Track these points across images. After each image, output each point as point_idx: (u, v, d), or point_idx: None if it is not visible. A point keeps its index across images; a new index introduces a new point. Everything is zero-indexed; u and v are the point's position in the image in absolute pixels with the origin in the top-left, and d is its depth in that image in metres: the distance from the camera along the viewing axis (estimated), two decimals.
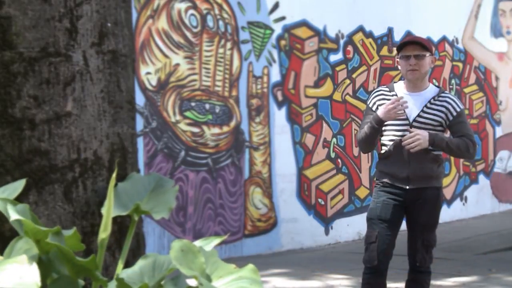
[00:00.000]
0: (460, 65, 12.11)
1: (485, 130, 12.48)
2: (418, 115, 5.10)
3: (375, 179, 5.33)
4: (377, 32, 10.74)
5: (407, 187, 5.10)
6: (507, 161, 12.83)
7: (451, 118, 5.10)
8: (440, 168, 5.19)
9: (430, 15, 11.41)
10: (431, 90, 5.18)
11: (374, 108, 5.17)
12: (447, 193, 11.72)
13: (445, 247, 9.15)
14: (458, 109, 5.12)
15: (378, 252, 5.06)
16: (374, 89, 5.55)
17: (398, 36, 10.73)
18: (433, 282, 7.01)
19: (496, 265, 8.13)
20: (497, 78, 12.72)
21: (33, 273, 2.39)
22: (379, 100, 5.17)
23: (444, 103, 5.11)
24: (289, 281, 7.47)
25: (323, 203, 9.98)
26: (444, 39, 11.84)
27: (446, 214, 11.49)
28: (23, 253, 2.57)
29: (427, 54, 5.09)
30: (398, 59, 5.16)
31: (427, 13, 11.38)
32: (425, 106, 5.11)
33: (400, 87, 5.20)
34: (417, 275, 5.20)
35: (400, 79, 5.75)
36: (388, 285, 5.24)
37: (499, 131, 12.74)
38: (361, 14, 10.52)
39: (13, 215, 2.62)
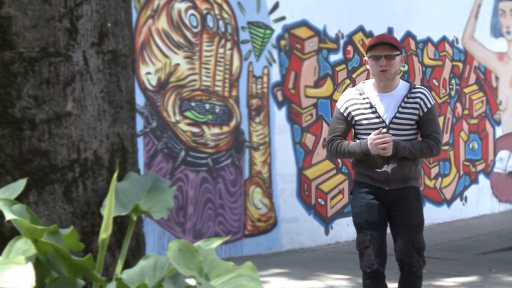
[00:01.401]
0: (460, 65, 12.11)
1: (485, 130, 12.48)
2: (394, 117, 5.04)
3: (353, 180, 5.29)
4: (377, 32, 10.69)
5: (387, 188, 5.07)
6: (507, 161, 12.82)
7: (421, 114, 5.08)
8: (418, 168, 5.16)
9: (430, 15, 11.40)
10: (402, 87, 5.11)
11: (345, 114, 5.09)
12: (447, 193, 11.71)
13: (445, 247, 9.15)
14: (429, 105, 5.07)
15: (375, 256, 5.01)
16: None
17: (398, 36, 10.71)
18: (433, 282, 7.04)
19: (496, 265, 8.12)
20: (497, 78, 12.71)
21: (28, 273, 2.39)
22: (351, 105, 5.09)
23: (417, 99, 5.06)
24: (289, 281, 7.46)
25: (323, 203, 9.97)
26: (444, 39, 11.83)
27: (446, 214, 11.50)
28: (21, 253, 2.57)
29: (397, 53, 5.08)
30: (367, 59, 5.12)
31: (427, 13, 11.38)
32: (400, 106, 5.05)
33: (370, 89, 5.11)
34: (410, 282, 5.13)
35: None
36: None
37: (499, 131, 12.73)
38: (361, 14, 10.51)
39: (8, 215, 2.62)
